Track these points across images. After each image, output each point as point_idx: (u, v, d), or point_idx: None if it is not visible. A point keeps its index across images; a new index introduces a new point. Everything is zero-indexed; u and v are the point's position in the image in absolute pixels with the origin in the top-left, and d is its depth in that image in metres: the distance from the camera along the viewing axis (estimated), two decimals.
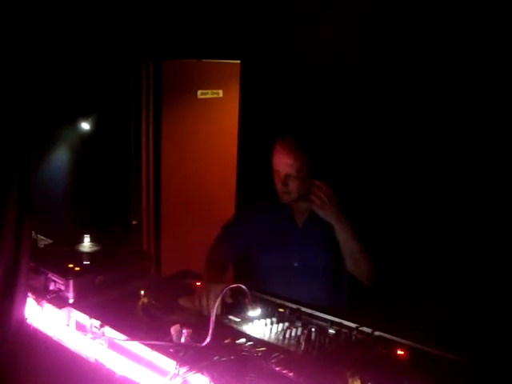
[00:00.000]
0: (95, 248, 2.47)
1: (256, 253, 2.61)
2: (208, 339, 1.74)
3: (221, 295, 1.83)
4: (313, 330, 1.90)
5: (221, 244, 2.62)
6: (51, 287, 2.20)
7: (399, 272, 3.06)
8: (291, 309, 2.09)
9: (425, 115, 2.96)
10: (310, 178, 2.40)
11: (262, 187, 2.62)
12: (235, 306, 2.05)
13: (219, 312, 1.95)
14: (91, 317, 2.00)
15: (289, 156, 2.37)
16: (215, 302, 1.85)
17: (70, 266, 2.25)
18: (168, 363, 1.72)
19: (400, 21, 2.96)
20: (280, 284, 2.44)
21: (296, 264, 2.51)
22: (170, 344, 1.77)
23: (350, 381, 1.60)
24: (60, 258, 2.32)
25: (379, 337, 1.92)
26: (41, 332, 2.10)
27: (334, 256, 2.46)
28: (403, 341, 1.87)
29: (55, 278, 2.19)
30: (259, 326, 1.94)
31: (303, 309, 2.10)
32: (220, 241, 2.64)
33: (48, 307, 2.14)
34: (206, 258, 2.53)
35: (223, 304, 2.01)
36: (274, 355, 1.73)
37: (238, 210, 2.72)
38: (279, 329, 1.93)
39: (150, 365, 1.78)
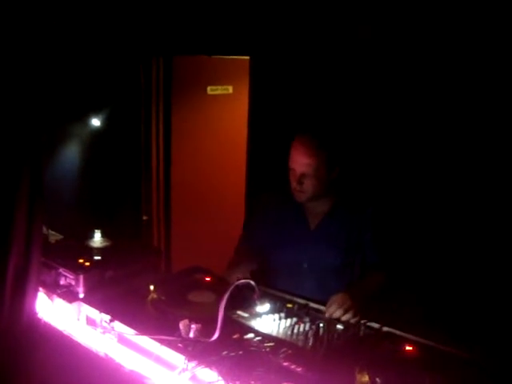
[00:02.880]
0: (105, 243, 2.49)
1: (267, 251, 2.57)
2: (216, 334, 1.75)
3: (229, 291, 1.83)
4: (321, 325, 1.91)
5: (242, 246, 2.61)
6: (62, 282, 2.22)
7: (402, 268, 3.06)
8: (299, 304, 2.10)
9: (430, 113, 2.95)
10: (328, 177, 2.36)
11: (272, 183, 2.61)
12: (244, 301, 2.06)
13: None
14: (101, 311, 2.02)
15: (305, 155, 2.30)
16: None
17: (81, 261, 2.27)
18: (177, 358, 1.73)
19: (413, 13, 2.93)
20: (289, 283, 2.41)
21: (305, 265, 2.48)
22: (179, 339, 1.78)
23: (358, 376, 1.60)
24: (71, 253, 2.34)
25: (387, 332, 1.92)
26: (51, 326, 2.12)
27: (343, 259, 2.43)
28: (411, 337, 1.87)
29: (66, 273, 2.21)
30: (267, 322, 1.95)
31: (311, 304, 2.10)
32: (242, 243, 2.63)
33: (59, 302, 2.16)
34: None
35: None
36: (282, 350, 1.74)
37: (252, 209, 2.64)
38: (287, 324, 1.94)
39: (158, 359, 1.79)
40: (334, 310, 2.03)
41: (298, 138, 2.36)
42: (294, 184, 2.38)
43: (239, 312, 2.01)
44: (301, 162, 2.32)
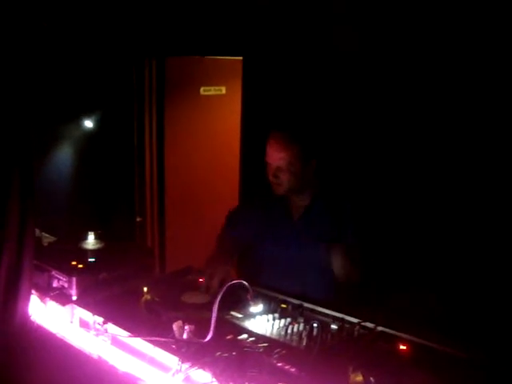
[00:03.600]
0: (99, 245, 2.48)
1: (253, 243, 2.66)
2: (210, 335, 1.74)
3: (221, 292, 1.82)
4: (315, 325, 1.91)
5: (225, 234, 2.66)
6: (55, 284, 2.21)
7: (397, 267, 3.07)
8: (293, 304, 2.10)
9: (420, 113, 2.96)
10: (303, 171, 2.44)
11: (266, 183, 2.62)
12: (237, 301, 2.06)
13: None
14: (94, 314, 2.01)
15: (278, 149, 2.40)
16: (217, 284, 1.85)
17: (74, 263, 2.26)
18: (170, 359, 1.72)
19: (401, 18, 2.95)
20: (273, 274, 2.50)
21: (288, 257, 2.54)
22: (173, 340, 1.77)
23: (351, 376, 1.60)
24: (64, 256, 2.33)
25: (381, 332, 1.92)
26: (44, 329, 2.12)
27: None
28: (405, 336, 1.87)
29: (59, 276, 2.20)
30: (261, 322, 1.94)
31: (305, 304, 2.10)
32: (224, 231, 2.69)
33: (52, 304, 2.15)
34: (216, 241, 2.60)
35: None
36: (276, 351, 1.74)
37: (240, 202, 2.72)
38: (281, 324, 1.93)
39: (152, 361, 1.79)
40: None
41: (272, 134, 2.45)
42: (270, 178, 2.48)
43: (233, 313, 2.01)
44: (275, 156, 2.42)
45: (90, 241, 2.49)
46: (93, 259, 2.34)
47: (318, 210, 2.54)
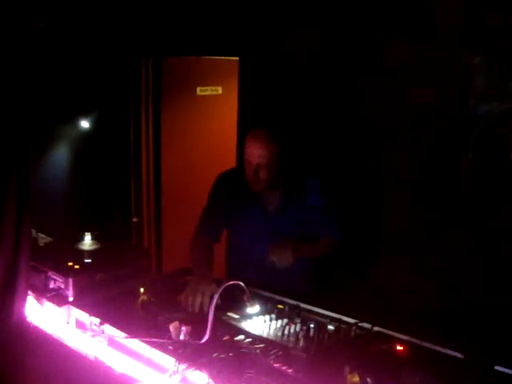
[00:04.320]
0: (95, 246, 2.47)
1: (229, 238, 2.72)
2: (207, 336, 1.74)
3: (217, 295, 1.82)
4: (312, 326, 1.91)
5: (201, 234, 2.66)
6: (51, 285, 2.21)
7: (396, 268, 3.08)
8: (290, 305, 2.10)
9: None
10: (280, 167, 2.48)
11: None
12: (234, 302, 2.06)
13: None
14: (91, 314, 2.01)
15: (260, 147, 2.43)
16: (210, 301, 1.86)
17: (70, 264, 2.26)
18: (167, 360, 1.73)
19: (395, 23, 2.98)
20: (251, 268, 2.53)
21: (264, 248, 2.52)
22: (169, 341, 1.77)
23: (348, 376, 1.60)
24: (60, 256, 2.33)
25: (378, 332, 1.92)
26: (41, 330, 2.11)
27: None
28: (402, 336, 1.88)
29: (55, 277, 2.20)
30: (258, 323, 1.95)
31: (302, 305, 2.10)
32: (199, 231, 2.69)
33: (48, 305, 2.15)
34: (189, 249, 2.57)
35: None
36: (272, 352, 1.74)
37: (210, 198, 2.76)
38: (278, 325, 1.93)
39: (149, 362, 1.79)
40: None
41: (253, 132, 2.48)
42: (250, 175, 2.48)
43: (230, 313, 2.01)
44: (256, 153, 2.44)
45: (87, 241, 2.49)
46: (89, 260, 2.33)
47: (291, 201, 2.57)
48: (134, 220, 4.29)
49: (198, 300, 2.07)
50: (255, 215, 2.61)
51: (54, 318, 2.12)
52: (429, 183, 2.96)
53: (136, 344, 1.84)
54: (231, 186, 2.67)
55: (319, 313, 2.06)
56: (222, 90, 4.41)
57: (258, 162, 2.44)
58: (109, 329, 1.93)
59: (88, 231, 2.52)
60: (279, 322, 1.95)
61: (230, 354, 1.70)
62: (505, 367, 1.68)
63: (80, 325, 2.06)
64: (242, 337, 1.83)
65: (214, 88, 4.37)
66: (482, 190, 2.79)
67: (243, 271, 2.53)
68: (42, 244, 2.64)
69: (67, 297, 2.14)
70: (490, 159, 2.77)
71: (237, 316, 1.99)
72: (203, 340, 1.74)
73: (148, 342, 1.79)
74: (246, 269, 2.54)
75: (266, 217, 2.60)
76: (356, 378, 1.59)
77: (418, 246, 2.99)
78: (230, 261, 2.79)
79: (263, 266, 2.48)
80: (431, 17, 2.84)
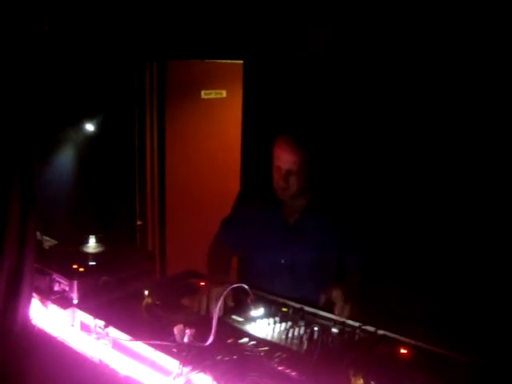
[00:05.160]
0: (99, 249, 2.48)
1: (248, 249, 2.65)
2: (211, 339, 1.74)
3: (223, 296, 1.83)
4: (315, 329, 1.91)
5: (220, 241, 2.64)
6: (56, 288, 2.21)
7: (398, 271, 3.07)
8: (294, 308, 2.10)
9: (424, 114, 2.96)
10: (310, 174, 2.42)
11: (267, 186, 2.62)
12: (238, 305, 2.06)
13: (221, 314, 1.96)
14: (95, 317, 2.01)
15: (291, 152, 2.37)
16: (216, 303, 1.86)
17: (75, 266, 2.26)
18: (171, 363, 1.73)
19: (400, 20, 2.96)
20: (267, 279, 2.48)
21: (283, 261, 2.53)
22: (174, 344, 1.77)
23: (352, 380, 1.60)
24: (65, 259, 2.33)
25: (382, 336, 1.92)
26: (45, 332, 2.11)
27: (320, 257, 2.49)
28: (406, 340, 1.87)
29: (60, 279, 2.20)
30: (262, 326, 1.95)
31: (306, 308, 2.10)
32: (219, 238, 2.66)
33: (53, 308, 2.15)
34: (207, 256, 2.54)
35: (225, 305, 2.02)
36: (276, 355, 1.74)
37: (234, 207, 2.70)
38: (282, 328, 1.93)
39: (153, 365, 1.79)
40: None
41: (283, 137, 2.42)
42: (279, 182, 2.43)
43: (234, 316, 2.01)
44: (287, 159, 2.38)
45: (91, 244, 2.49)
46: (94, 263, 2.34)
47: (314, 214, 2.52)
48: (139, 223, 4.30)
49: (206, 303, 2.06)
50: (275, 226, 2.55)
51: (58, 320, 2.13)
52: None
53: (140, 346, 1.84)
54: (253, 197, 2.63)
55: (323, 316, 2.06)
56: (227, 93, 4.42)
57: (289, 169, 2.38)
58: (113, 331, 1.94)
59: (92, 234, 2.52)
60: (283, 324, 1.95)
61: (234, 357, 1.70)
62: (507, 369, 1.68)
63: (84, 327, 2.06)
64: (246, 339, 1.83)
65: (218, 91, 4.38)
66: None
67: (259, 281, 2.46)
68: (46, 247, 2.64)
69: (72, 299, 2.14)
70: None
71: (241, 319, 1.99)
72: (207, 343, 1.74)
73: (152, 345, 1.79)
74: (262, 279, 2.49)
75: (286, 228, 2.54)
76: (360, 381, 1.59)
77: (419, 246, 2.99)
78: (245, 270, 2.72)
79: (280, 277, 2.46)
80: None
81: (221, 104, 4.42)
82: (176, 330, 1.80)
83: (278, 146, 2.42)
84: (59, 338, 2.07)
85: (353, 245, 2.50)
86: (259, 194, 2.60)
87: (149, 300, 2.10)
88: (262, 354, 1.74)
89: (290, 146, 2.38)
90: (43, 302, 2.18)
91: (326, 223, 2.50)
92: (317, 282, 2.47)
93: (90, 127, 3.93)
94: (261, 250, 2.57)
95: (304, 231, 2.51)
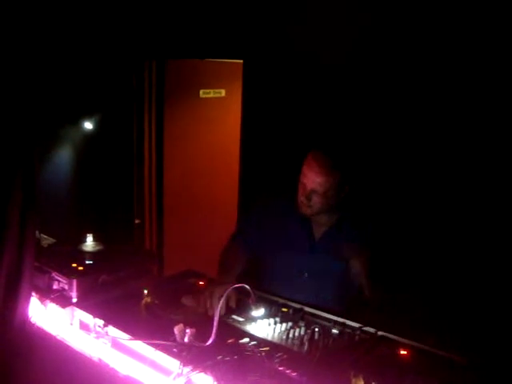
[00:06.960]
0: (98, 247, 2.47)
1: (267, 256, 2.55)
2: (211, 339, 1.74)
3: (224, 296, 1.83)
4: (316, 329, 1.91)
5: (234, 245, 2.57)
6: (55, 286, 2.20)
7: (399, 271, 3.06)
8: (294, 309, 2.10)
9: (429, 114, 2.96)
10: (338, 195, 2.33)
11: (265, 186, 2.61)
12: (239, 305, 2.06)
13: (223, 313, 1.96)
14: (95, 316, 2.00)
15: (319, 173, 2.26)
16: (218, 302, 1.85)
17: (74, 265, 2.26)
18: (171, 363, 1.72)
19: (404, 20, 2.96)
20: (285, 289, 2.36)
21: (306, 274, 2.46)
22: (174, 343, 1.77)
23: (353, 381, 1.60)
24: (63, 258, 2.32)
25: (382, 337, 1.92)
26: (44, 331, 2.10)
27: (344, 269, 2.38)
28: (406, 341, 1.87)
29: (59, 278, 2.19)
30: (263, 326, 1.94)
31: (306, 309, 2.10)
32: (233, 241, 2.59)
33: (52, 306, 2.14)
34: (220, 257, 2.49)
35: (227, 305, 2.02)
36: (277, 355, 1.73)
37: (252, 210, 2.63)
38: (283, 328, 1.93)
39: (153, 364, 1.78)
40: None
41: (313, 154, 2.30)
42: (302, 198, 2.34)
43: (234, 316, 2.01)
44: (313, 179, 2.28)
45: (90, 243, 2.49)
46: (92, 261, 2.33)
47: (343, 231, 2.44)
48: (136, 222, 4.30)
49: (207, 301, 2.05)
50: (300, 237, 2.46)
51: (57, 319, 2.12)
52: None
53: (140, 346, 1.83)
54: (278, 205, 2.54)
55: (323, 316, 2.06)
56: (226, 92, 4.42)
57: (314, 188, 2.28)
58: (113, 330, 1.93)
59: (90, 233, 2.52)
60: (284, 325, 1.95)
61: (235, 357, 1.70)
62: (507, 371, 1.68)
63: (84, 326, 2.06)
64: (246, 340, 1.83)
65: (217, 91, 4.38)
66: None
67: (275, 290, 2.36)
68: (45, 245, 2.64)
69: (71, 298, 2.14)
70: None
71: (241, 319, 1.99)
72: (208, 343, 1.74)
73: (152, 344, 1.79)
74: (280, 287, 2.38)
75: (312, 241, 2.45)
76: (361, 382, 1.59)
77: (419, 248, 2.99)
78: (259, 276, 2.61)
79: (300, 290, 2.37)
80: None
81: (219, 103, 4.42)
82: (176, 329, 1.79)
83: (306, 162, 2.31)
84: (58, 337, 2.06)
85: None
86: (285, 203, 2.51)
87: (148, 299, 2.10)
88: (263, 354, 1.74)
89: (319, 167, 2.25)
90: (42, 301, 2.17)
91: (351, 240, 2.40)
92: (335, 293, 2.42)
93: (88, 126, 3.92)
94: (283, 259, 2.48)
95: (328, 245, 2.41)
